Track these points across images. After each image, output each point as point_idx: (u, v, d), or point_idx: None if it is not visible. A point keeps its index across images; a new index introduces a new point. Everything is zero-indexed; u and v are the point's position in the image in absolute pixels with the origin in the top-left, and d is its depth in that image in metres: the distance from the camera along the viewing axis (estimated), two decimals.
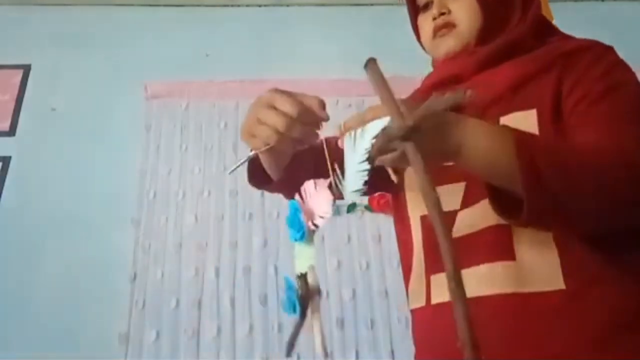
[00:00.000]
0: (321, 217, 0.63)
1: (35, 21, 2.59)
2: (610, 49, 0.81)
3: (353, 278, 2.07)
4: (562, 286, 0.68)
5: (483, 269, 0.72)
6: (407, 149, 0.53)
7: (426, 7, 0.90)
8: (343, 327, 1.99)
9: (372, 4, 2.66)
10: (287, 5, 2.70)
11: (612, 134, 0.70)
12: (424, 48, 0.94)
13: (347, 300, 2.04)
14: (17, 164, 2.26)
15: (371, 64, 0.55)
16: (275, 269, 2.08)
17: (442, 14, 0.86)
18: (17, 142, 2.31)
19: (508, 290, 0.70)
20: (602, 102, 0.73)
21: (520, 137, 0.63)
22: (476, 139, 0.63)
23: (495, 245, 0.72)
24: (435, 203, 0.50)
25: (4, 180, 2.21)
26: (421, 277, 0.81)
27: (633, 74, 0.78)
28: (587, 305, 0.68)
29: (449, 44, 0.86)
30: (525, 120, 0.75)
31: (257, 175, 0.82)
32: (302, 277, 0.63)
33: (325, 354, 0.61)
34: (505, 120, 0.76)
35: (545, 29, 0.88)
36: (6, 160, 2.26)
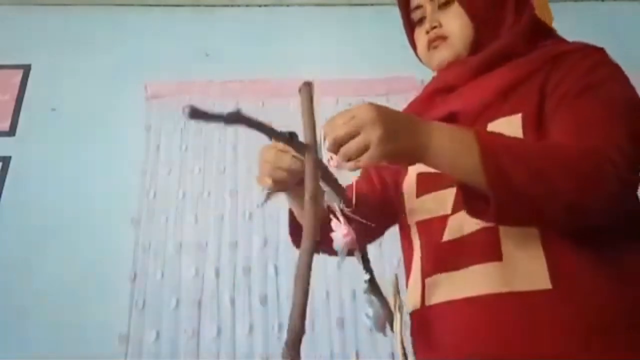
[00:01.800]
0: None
1: (35, 21, 2.59)
2: (599, 51, 0.82)
3: (353, 278, 2.07)
4: (549, 286, 0.69)
5: (472, 270, 0.74)
6: (306, 161, 0.61)
7: (421, 21, 0.94)
8: (343, 327, 1.99)
9: (372, 4, 2.66)
10: (287, 5, 2.70)
11: (586, 131, 0.71)
12: (421, 60, 0.97)
13: (347, 300, 2.04)
14: (17, 164, 2.26)
15: (304, 88, 0.61)
16: (275, 269, 2.08)
17: (434, 27, 0.90)
18: (17, 142, 2.31)
19: (496, 290, 0.72)
20: (581, 98, 0.74)
21: (483, 136, 0.66)
22: (441, 140, 0.66)
23: (483, 247, 0.74)
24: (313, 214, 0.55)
25: (4, 180, 2.21)
26: (417, 280, 0.83)
27: (620, 74, 0.79)
28: (574, 304, 0.68)
29: (442, 55, 0.90)
30: (511, 125, 0.77)
31: (296, 232, 0.87)
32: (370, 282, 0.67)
33: (404, 355, 0.63)
34: (492, 126, 0.78)
35: (539, 33, 0.89)
36: (6, 160, 2.26)
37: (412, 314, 0.85)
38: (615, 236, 0.72)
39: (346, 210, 0.66)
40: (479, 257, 0.74)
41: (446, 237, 0.79)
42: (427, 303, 0.80)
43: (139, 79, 2.40)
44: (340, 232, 0.67)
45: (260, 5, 2.70)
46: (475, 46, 0.87)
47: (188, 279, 2.05)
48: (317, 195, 0.53)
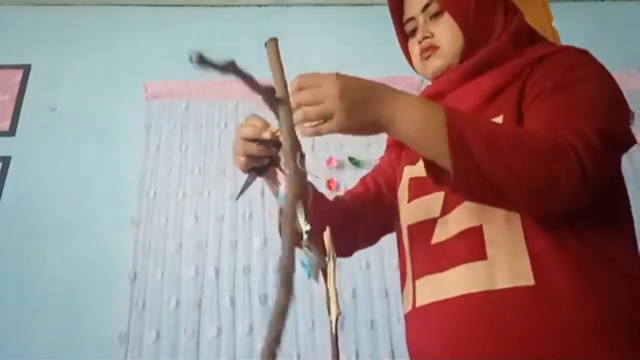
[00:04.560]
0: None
1: (35, 21, 2.59)
2: (581, 53, 0.82)
3: (353, 278, 2.07)
4: (532, 282, 0.70)
5: (458, 270, 0.76)
6: (280, 112, 0.62)
7: (413, 32, 0.96)
8: (343, 327, 1.99)
9: (372, 4, 2.66)
10: (287, 5, 2.70)
11: (553, 123, 0.71)
12: (416, 71, 1.00)
13: (347, 300, 2.03)
14: (17, 164, 2.26)
15: (271, 43, 0.62)
16: (276, 269, 2.08)
17: (426, 37, 0.92)
18: (17, 142, 2.31)
19: (482, 288, 0.73)
20: (553, 95, 0.76)
21: (450, 111, 0.68)
22: (408, 111, 0.68)
23: (468, 247, 0.76)
24: (294, 172, 0.54)
25: (4, 180, 2.21)
26: (409, 282, 0.85)
27: (601, 75, 0.79)
28: (557, 300, 0.69)
29: (434, 64, 0.92)
30: None
31: None
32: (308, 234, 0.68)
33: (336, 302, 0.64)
34: None
35: (527, 38, 0.90)
36: (6, 160, 2.26)
37: (406, 316, 0.87)
38: (601, 232, 0.73)
39: (299, 164, 0.67)
40: (464, 257, 0.75)
41: (435, 239, 0.81)
42: (417, 305, 0.81)
43: (138, 78, 2.40)
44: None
45: (260, 5, 2.70)
46: (466, 54, 0.89)
47: (188, 279, 2.05)
48: (296, 147, 0.54)
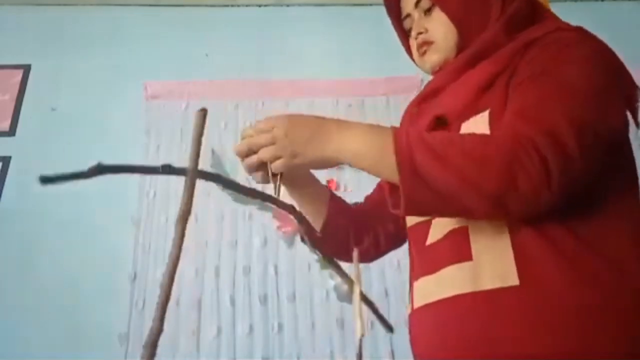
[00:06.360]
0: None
1: (35, 21, 2.59)
2: (575, 32, 0.78)
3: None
4: (516, 282, 0.69)
5: (446, 271, 0.75)
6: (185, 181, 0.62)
7: (411, 29, 0.96)
8: (343, 327, 1.99)
9: (372, 4, 2.65)
10: (287, 5, 2.70)
11: (521, 118, 0.69)
12: (418, 66, 1.00)
13: None
14: (17, 164, 2.26)
15: (199, 114, 0.64)
16: (275, 269, 2.08)
17: (420, 33, 0.92)
18: (17, 142, 2.31)
19: (469, 289, 0.72)
20: (532, 84, 0.73)
21: (398, 135, 0.69)
22: (355, 142, 0.72)
23: (454, 248, 0.75)
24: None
25: (4, 180, 2.22)
26: (410, 284, 0.86)
27: (593, 57, 0.74)
28: (542, 300, 0.68)
29: (431, 59, 0.92)
30: (480, 123, 0.76)
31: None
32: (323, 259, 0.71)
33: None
34: (465, 126, 0.78)
35: (523, 23, 0.85)
36: (6, 160, 2.26)
37: (408, 318, 0.87)
38: (602, 228, 0.70)
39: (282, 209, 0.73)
40: (450, 259, 0.75)
41: (429, 240, 0.80)
42: (415, 306, 0.82)
43: (138, 78, 2.40)
44: (282, 226, 0.77)
45: (260, 5, 2.70)
46: (462, 46, 0.87)
47: (188, 279, 2.05)
48: (187, 215, 0.56)
